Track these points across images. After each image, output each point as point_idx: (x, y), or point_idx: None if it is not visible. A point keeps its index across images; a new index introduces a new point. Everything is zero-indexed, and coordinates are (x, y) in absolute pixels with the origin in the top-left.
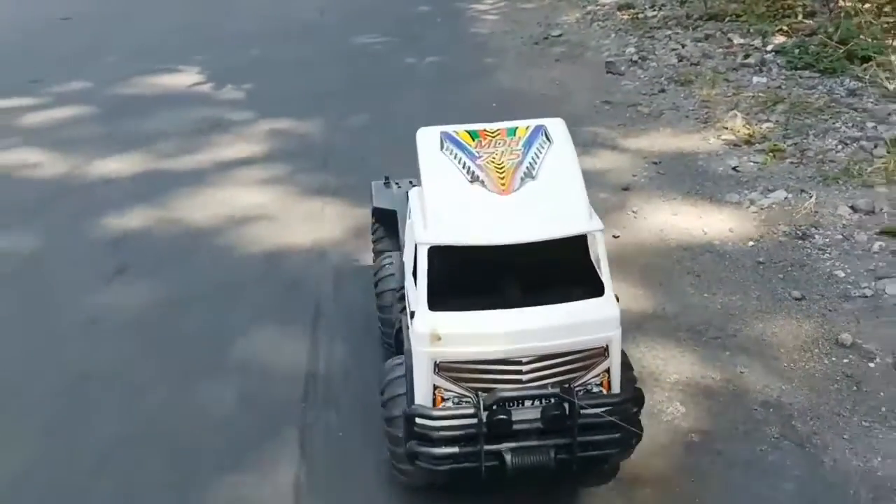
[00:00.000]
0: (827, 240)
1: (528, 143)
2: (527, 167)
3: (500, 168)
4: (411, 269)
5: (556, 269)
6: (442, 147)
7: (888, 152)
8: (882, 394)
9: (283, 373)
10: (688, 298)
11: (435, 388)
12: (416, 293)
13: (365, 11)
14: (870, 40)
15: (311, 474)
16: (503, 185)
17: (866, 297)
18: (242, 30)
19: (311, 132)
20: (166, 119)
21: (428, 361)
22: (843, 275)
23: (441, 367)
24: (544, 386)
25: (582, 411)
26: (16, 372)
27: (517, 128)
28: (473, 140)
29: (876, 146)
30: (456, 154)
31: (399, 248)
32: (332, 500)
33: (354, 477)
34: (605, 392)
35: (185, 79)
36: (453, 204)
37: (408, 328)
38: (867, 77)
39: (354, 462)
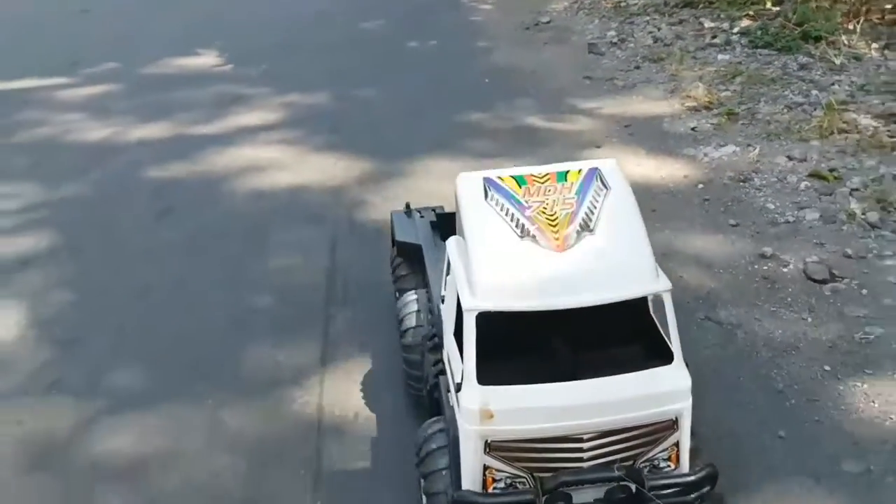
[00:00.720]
0: (763, 182)
1: (583, 190)
2: (583, 219)
3: (553, 220)
4: (451, 328)
5: (612, 329)
6: (486, 196)
7: (824, 114)
8: (790, 289)
9: (309, 281)
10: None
11: (485, 468)
12: (462, 362)
13: (372, 2)
14: (823, 22)
15: (332, 350)
16: (557, 240)
17: (789, 222)
18: (258, 18)
19: (322, 103)
20: (191, 94)
21: (478, 440)
22: (772, 207)
23: (493, 447)
24: (608, 465)
25: (651, 493)
26: (97, 283)
27: (568, 171)
28: (520, 187)
29: (815, 109)
30: (502, 204)
31: (425, 284)
32: (349, 368)
33: (366, 353)
34: (673, 467)
35: (206, 61)
36: (502, 263)
37: (447, 390)
38: (818, 53)
39: (366, 343)
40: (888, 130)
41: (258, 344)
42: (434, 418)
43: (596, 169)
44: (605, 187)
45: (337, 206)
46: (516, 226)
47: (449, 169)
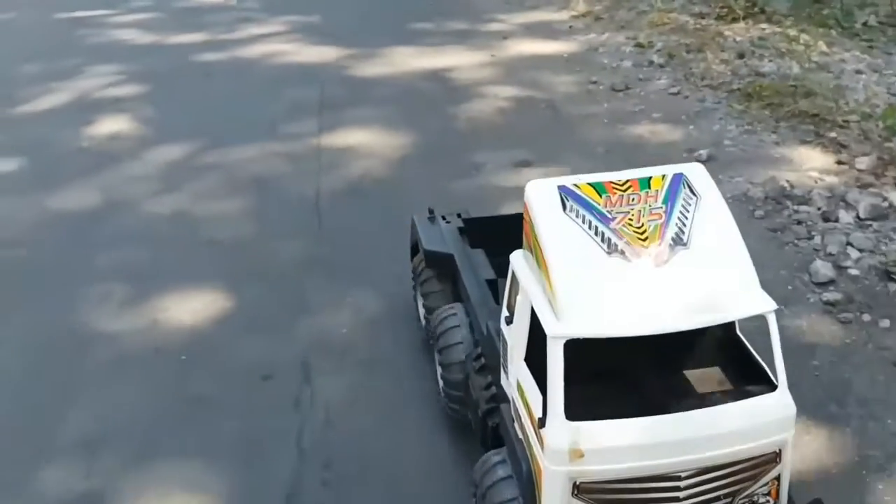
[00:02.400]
0: (605, 51)
1: (671, 199)
2: (676, 232)
3: (642, 233)
4: (521, 353)
5: (700, 352)
6: (564, 207)
7: (656, 11)
8: (606, 105)
9: (309, 100)
10: (526, 79)
11: None
12: (541, 394)
13: None
14: None
15: (325, 126)
16: (649, 255)
17: (613, 67)
18: None
19: (313, 21)
20: (212, 18)
21: (565, 482)
22: (606, 61)
23: (581, 489)
24: None
25: None
26: (170, 104)
27: (651, 178)
28: (601, 196)
29: (651, 8)
30: (583, 216)
31: (459, 297)
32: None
33: (349, 127)
34: (772, 502)
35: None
36: (590, 284)
37: (513, 422)
38: None
39: (344, 119)
40: (694, 22)
41: (281, 121)
42: (494, 451)
43: (681, 174)
44: (695, 195)
45: (326, 72)
46: (602, 240)
47: (406, 53)
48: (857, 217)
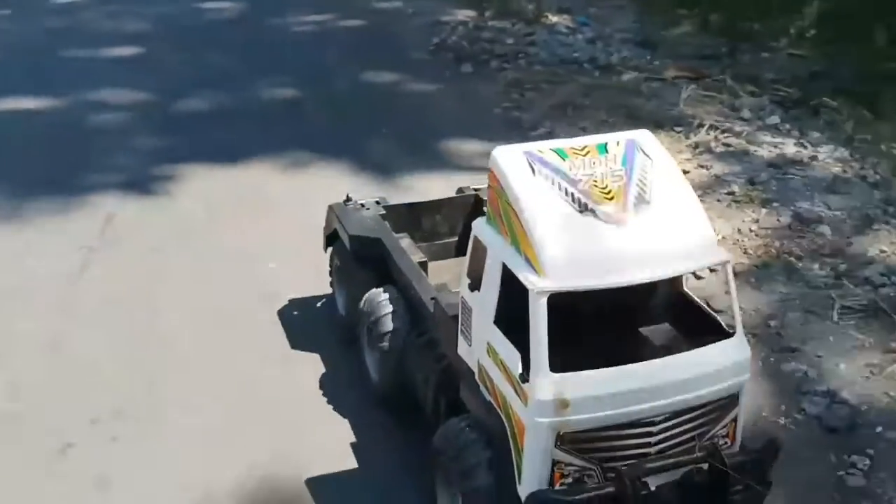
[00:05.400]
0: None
1: (628, 162)
2: (638, 191)
3: (607, 193)
4: (490, 316)
5: (654, 304)
6: (534, 171)
7: None
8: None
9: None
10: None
11: (554, 463)
12: (527, 350)
13: None
14: None
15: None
16: (616, 212)
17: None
18: None
19: None
20: None
21: (549, 433)
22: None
23: (565, 439)
24: (681, 447)
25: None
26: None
27: (607, 143)
28: (564, 160)
29: None
30: (552, 179)
31: (390, 280)
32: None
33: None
34: (730, 443)
35: None
36: (568, 240)
37: (483, 385)
38: None
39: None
40: None
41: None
42: (458, 418)
43: (634, 140)
44: (649, 158)
45: None
46: (573, 200)
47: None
48: None
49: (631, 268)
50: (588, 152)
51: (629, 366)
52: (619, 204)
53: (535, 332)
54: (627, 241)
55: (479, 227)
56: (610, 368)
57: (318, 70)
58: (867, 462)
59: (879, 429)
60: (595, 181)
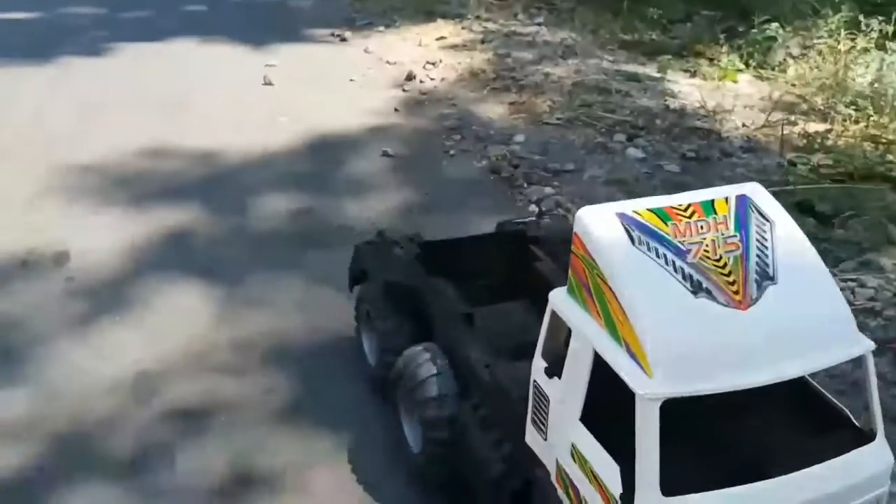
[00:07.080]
0: None
1: (741, 225)
2: (758, 265)
3: (723, 267)
4: (577, 413)
5: (781, 401)
6: (633, 240)
7: None
8: None
9: None
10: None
11: None
12: (629, 465)
13: None
14: None
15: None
16: (737, 294)
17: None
18: None
19: None
20: None
21: None
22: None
23: None
24: None
25: None
26: None
27: (714, 201)
28: (666, 224)
29: None
30: (657, 250)
31: (429, 338)
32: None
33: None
34: None
35: None
36: (684, 331)
37: (554, 489)
38: None
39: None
40: None
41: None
42: None
43: (745, 196)
44: (767, 220)
45: None
46: (683, 278)
47: None
48: None
49: (758, 365)
50: (693, 212)
51: (759, 484)
52: (739, 282)
53: (644, 443)
54: (752, 331)
55: (560, 300)
56: (736, 488)
57: None
58: None
59: None
60: (706, 251)
